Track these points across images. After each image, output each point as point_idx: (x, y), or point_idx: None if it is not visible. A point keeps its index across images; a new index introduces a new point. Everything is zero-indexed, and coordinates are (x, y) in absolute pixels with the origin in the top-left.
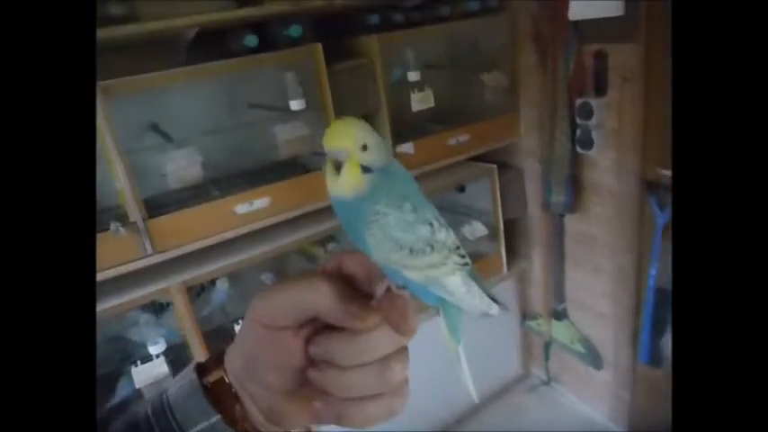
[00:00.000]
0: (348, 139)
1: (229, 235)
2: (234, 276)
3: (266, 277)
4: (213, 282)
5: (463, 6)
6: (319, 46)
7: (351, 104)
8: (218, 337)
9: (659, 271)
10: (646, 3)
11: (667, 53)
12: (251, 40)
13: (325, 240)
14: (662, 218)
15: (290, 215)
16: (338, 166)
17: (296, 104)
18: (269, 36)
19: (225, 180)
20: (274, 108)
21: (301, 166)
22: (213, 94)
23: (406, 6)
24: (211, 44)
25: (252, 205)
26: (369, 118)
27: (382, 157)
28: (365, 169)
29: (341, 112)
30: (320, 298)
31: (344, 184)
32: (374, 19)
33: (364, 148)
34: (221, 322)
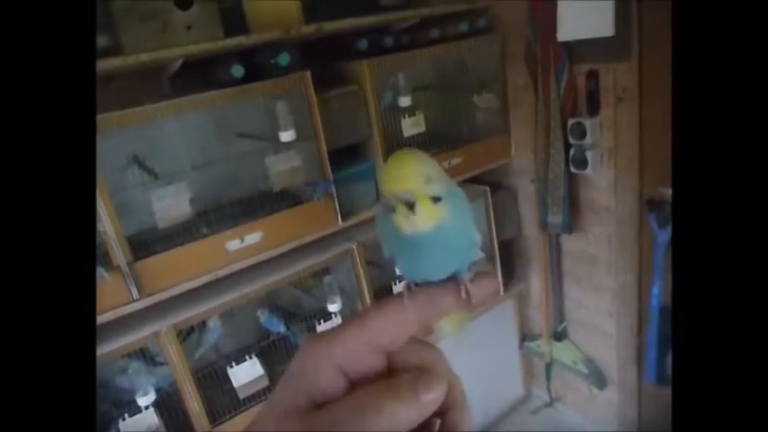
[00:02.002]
0: (411, 178)
1: (221, 273)
2: (226, 314)
3: (261, 313)
4: (204, 321)
5: (453, 28)
6: (308, 74)
7: (343, 132)
8: (212, 382)
9: (661, 289)
10: (637, 22)
11: (661, 71)
12: (238, 71)
13: (321, 272)
14: (662, 235)
15: (283, 249)
16: (410, 205)
17: (287, 135)
18: (257, 65)
19: (215, 215)
20: (265, 139)
21: (294, 197)
22: (201, 126)
23: (395, 30)
24: (198, 75)
25: (243, 241)
26: (361, 145)
27: (446, 182)
28: (435, 199)
29: (333, 140)
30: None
31: (421, 221)
32: (363, 44)
33: (428, 179)
34: (214, 362)
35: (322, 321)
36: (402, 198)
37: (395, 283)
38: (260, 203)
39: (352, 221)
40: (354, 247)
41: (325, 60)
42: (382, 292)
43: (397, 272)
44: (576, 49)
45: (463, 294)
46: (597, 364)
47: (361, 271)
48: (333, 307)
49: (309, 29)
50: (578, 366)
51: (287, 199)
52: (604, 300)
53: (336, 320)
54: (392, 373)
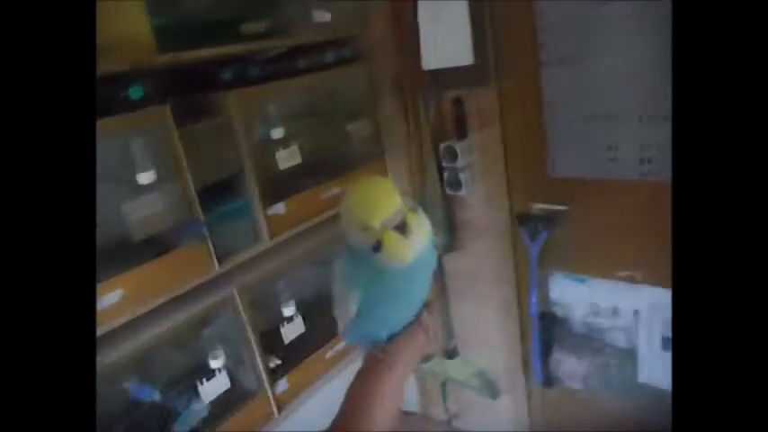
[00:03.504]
0: (394, 196)
1: None
2: None
3: (129, 382)
4: None
5: (320, 58)
6: (167, 107)
7: (211, 168)
8: None
9: (538, 297)
10: (492, 51)
11: (517, 95)
12: None
13: (199, 325)
14: (534, 247)
15: (151, 306)
16: (400, 227)
17: (146, 177)
18: (105, 100)
19: None
20: (120, 182)
21: (160, 244)
22: None
23: (260, 60)
24: None
25: (100, 303)
26: (232, 181)
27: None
28: (412, 209)
29: (201, 178)
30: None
31: (420, 237)
32: (227, 74)
33: (403, 195)
34: None
35: (205, 380)
36: (395, 221)
37: (282, 326)
38: (118, 256)
39: (229, 265)
40: (235, 291)
41: (187, 92)
42: (269, 336)
43: (358, 334)
44: (441, 77)
45: (431, 334)
46: (488, 375)
47: (244, 317)
48: (215, 362)
49: (164, 58)
50: (471, 381)
51: (151, 248)
52: (489, 313)
53: (221, 377)
54: None
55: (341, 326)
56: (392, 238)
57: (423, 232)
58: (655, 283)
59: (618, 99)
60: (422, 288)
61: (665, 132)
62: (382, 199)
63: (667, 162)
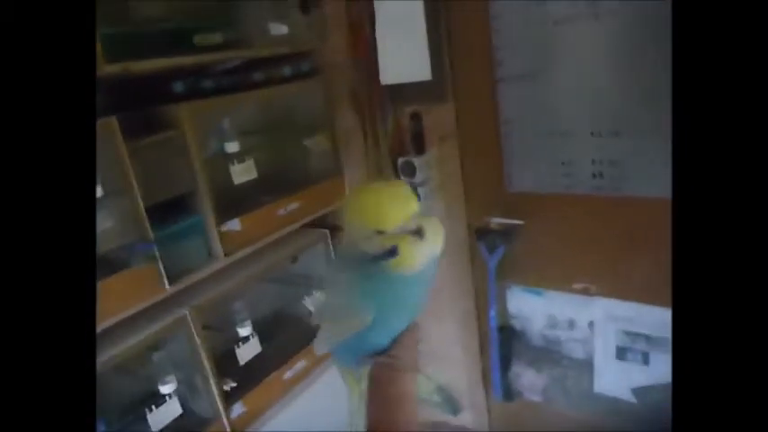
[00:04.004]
0: (411, 198)
1: None
2: None
3: None
4: None
5: (277, 71)
6: (114, 120)
7: (162, 184)
8: None
9: (497, 311)
10: (449, 68)
11: (474, 112)
12: None
13: (148, 349)
14: (492, 261)
15: (98, 329)
16: (417, 233)
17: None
18: None
19: None
20: None
21: (108, 265)
22: None
23: (214, 72)
24: None
25: None
26: (184, 197)
27: None
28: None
29: (151, 194)
30: None
31: (437, 237)
32: (180, 86)
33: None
34: None
35: (154, 407)
36: (414, 225)
37: (238, 346)
38: None
39: (181, 285)
40: (187, 312)
41: (137, 104)
42: (224, 358)
43: (356, 348)
44: (399, 92)
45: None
46: (449, 391)
47: (197, 339)
48: (166, 388)
49: (113, 68)
50: (432, 397)
51: (98, 268)
52: (449, 328)
53: (173, 402)
54: None
55: (328, 344)
56: (404, 244)
57: (438, 237)
58: (608, 294)
59: (571, 116)
60: (426, 292)
61: (615, 148)
62: (401, 202)
63: (618, 177)
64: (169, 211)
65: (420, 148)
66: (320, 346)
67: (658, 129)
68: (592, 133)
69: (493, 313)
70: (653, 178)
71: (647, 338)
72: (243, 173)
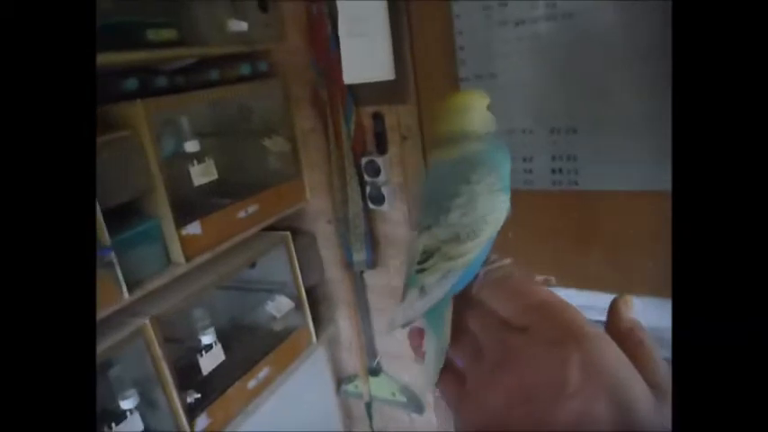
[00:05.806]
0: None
1: None
2: None
3: None
4: None
5: (233, 71)
6: None
7: (116, 187)
8: None
9: None
10: (411, 67)
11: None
12: None
13: (105, 364)
14: None
15: None
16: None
17: None
18: None
19: None
20: None
21: None
22: None
23: (169, 70)
24: None
25: None
26: (141, 200)
27: None
28: None
29: (105, 198)
30: None
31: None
32: (132, 84)
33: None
34: None
35: (114, 424)
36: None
37: (200, 355)
38: None
39: (140, 293)
40: (147, 322)
41: None
42: (185, 368)
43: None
44: (361, 92)
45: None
46: (413, 391)
47: (158, 351)
48: (126, 403)
49: None
50: (397, 397)
51: None
52: (409, 327)
53: (133, 418)
54: None
55: (444, 285)
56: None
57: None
58: (567, 285)
59: (532, 113)
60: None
61: (571, 143)
62: (465, 104)
63: (575, 172)
64: (125, 215)
65: (382, 148)
66: (435, 291)
67: (614, 125)
68: (551, 130)
69: None
70: (608, 173)
71: (603, 324)
72: (203, 173)
